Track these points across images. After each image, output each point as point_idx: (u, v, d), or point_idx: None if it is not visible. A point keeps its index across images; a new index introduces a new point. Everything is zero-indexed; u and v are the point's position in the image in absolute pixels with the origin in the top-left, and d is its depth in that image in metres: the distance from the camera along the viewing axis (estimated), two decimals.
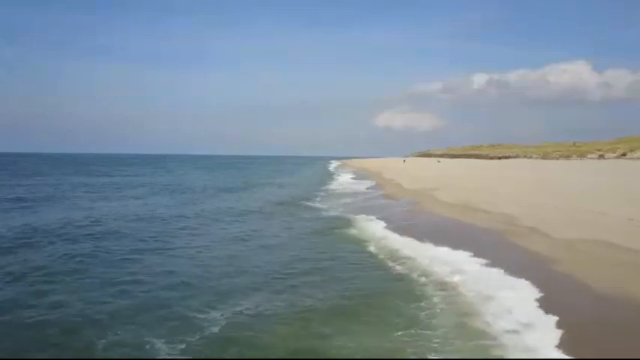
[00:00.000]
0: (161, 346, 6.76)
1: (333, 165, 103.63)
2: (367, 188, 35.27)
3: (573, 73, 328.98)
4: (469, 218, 18.24)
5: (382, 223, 17.86)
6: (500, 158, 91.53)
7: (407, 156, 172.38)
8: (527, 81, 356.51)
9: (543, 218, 16.70)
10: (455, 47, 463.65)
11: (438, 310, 8.30)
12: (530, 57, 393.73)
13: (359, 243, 14.75)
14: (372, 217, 19.48)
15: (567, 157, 76.29)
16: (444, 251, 12.65)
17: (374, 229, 17.02)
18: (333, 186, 39.34)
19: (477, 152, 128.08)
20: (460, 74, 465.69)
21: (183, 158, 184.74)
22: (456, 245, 13.00)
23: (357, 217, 20.05)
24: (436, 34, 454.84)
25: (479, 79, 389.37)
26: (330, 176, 56.56)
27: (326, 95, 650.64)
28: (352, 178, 49.19)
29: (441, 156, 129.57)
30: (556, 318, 7.49)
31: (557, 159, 75.13)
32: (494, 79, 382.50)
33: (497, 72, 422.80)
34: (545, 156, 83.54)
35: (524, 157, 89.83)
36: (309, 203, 26.24)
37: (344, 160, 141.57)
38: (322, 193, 31.28)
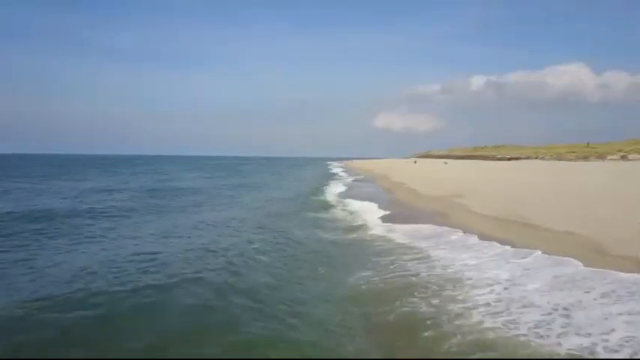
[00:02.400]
0: None
1: (334, 167, 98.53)
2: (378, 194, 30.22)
3: (572, 75, 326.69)
4: (536, 241, 13.17)
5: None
6: (509, 159, 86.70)
7: (407, 157, 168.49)
8: (526, 83, 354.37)
9: None
10: (454, 49, 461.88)
11: None
12: (528, 59, 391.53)
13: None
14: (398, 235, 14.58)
15: (584, 158, 71.46)
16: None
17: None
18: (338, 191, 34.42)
19: (481, 153, 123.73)
20: (459, 76, 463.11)
21: (177, 159, 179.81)
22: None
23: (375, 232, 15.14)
24: (435, 35, 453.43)
25: (477, 81, 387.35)
26: (332, 178, 51.60)
27: (325, 96, 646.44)
28: (357, 181, 44.07)
29: (444, 157, 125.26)
30: None
31: (575, 160, 70.20)
32: (493, 81, 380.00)
33: (495, 74, 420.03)
34: (559, 157, 78.67)
35: (535, 158, 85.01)
36: (311, 214, 21.31)
37: (345, 161, 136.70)
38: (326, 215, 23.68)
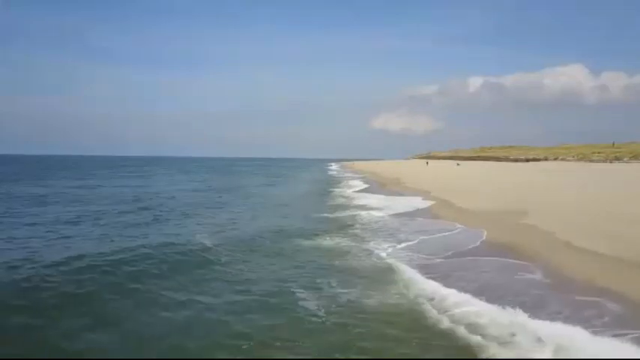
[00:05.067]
0: None
1: (334, 168, 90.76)
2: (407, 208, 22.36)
3: (569, 76, 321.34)
4: None
5: None
6: (527, 160, 79.17)
7: (407, 158, 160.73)
8: (524, 84, 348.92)
9: None
10: (451, 50, 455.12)
11: None
12: (526, 60, 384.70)
13: None
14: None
15: (615, 158, 63.93)
16: None
17: None
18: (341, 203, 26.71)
19: (490, 154, 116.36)
20: (457, 77, 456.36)
21: (176, 160, 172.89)
22: None
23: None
24: (433, 37, 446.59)
25: (475, 82, 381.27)
26: (336, 184, 43.97)
27: (323, 97, 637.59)
28: (363, 190, 36.34)
29: (448, 158, 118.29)
30: None
31: (606, 161, 62.61)
32: (491, 82, 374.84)
33: (493, 75, 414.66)
34: (584, 158, 71.20)
35: (555, 159, 77.50)
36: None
37: (344, 163, 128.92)
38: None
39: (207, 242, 13.47)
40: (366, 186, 37.90)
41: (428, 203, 23.23)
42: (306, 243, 13.99)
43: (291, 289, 9.13)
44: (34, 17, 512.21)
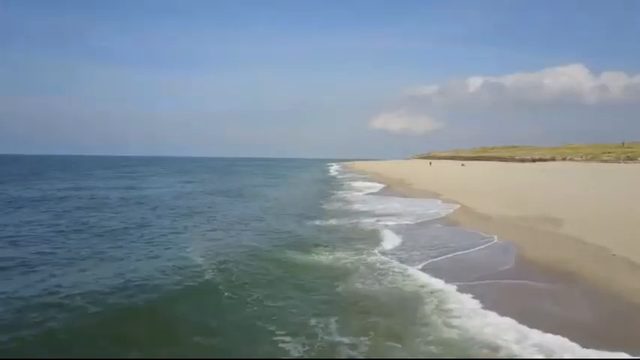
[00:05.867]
0: None
1: (335, 169, 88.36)
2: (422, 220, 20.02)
3: (569, 76, 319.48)
4: None
5: None
6: (534, 161, 76.79)
7: (408, 158, 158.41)
8: (524, 84, 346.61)
9: None
10: (451, 50, 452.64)
11: None
12: (526, 60, 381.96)
13: None
14: None
15: (630, 159, 61.53)
16: None
17: None
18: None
19: (493, 154, 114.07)
20: (457, 77, 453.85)
21: (173, 160, 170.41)
22: None
23: None
24: (433, 37, 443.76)
25: (475, 82, 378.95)
26: (339, 186, 41.60)
27: (323, 97, 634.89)
28: (372, 194, 33.87)
29: (449, 158, 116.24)
30: None
31: (624, 162, 60.15)
32: (491, 82, 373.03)
33: (493, 75, 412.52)
34: (594, 158, 68.82)
35: (563, 159, 75.10)
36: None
37: (344, 163, 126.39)
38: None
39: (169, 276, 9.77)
40: (372, 189, 35.49)
41: (444, 208, 20.83)
42: (312, 259, 11.61)
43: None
44: (34, 17, 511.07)
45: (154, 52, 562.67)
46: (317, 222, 18.09)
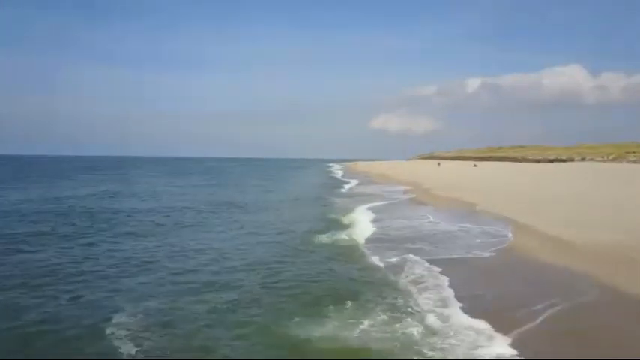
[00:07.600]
0: None
1: (335, 169, 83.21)
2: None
3: (569, 77, 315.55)
4: None
5: None
6: (551, 161, 71.70)
7: (409, 158, 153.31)
8: (522, 84, 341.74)
9: None
10: (450, 50, 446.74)
11: None
12: (525, 60, 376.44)
13: None
14: None
15: None
16: None
17: None
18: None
19: (501, 155, 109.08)
20: (455, 77, 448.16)
21: (173, 161, 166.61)
22: None
23: None
24: (431, 37, 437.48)
25: (474, 82, 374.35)
26: (348, 195, 36.50)
27: (322, 98, 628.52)
28: (387, 203, 28.62)
29: (451, 159, 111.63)
30: None
31: None
32: (489, 83, 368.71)
33: (492, 75, 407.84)
34: (617, 158, 63.77)
35: (582, 160, 70.04)
36: None
37: (346, 164, 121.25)
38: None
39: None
40: (385, 193, 30.40)
41: (500, 228, 15.49)
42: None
43: None
44: (34, 17, 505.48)
45: (153, 52, 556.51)
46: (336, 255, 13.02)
